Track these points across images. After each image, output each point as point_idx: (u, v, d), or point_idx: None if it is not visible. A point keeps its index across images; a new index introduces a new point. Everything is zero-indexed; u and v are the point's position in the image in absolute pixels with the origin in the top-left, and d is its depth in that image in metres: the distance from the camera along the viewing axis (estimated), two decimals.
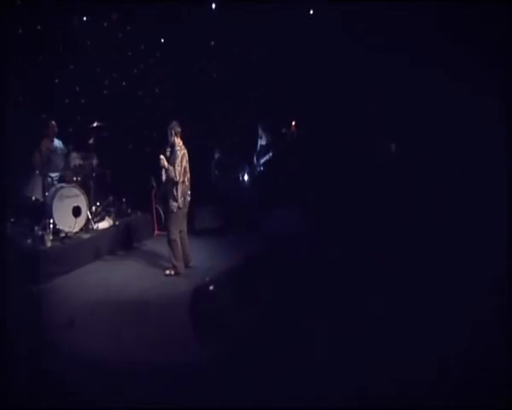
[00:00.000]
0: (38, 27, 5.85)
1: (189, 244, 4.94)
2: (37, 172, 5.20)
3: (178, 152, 4.61)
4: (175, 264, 4.72)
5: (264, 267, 4.18)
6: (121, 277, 4.74)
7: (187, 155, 4.73)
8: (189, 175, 4.75)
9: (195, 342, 3.13)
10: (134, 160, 6.74)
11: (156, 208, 6.37)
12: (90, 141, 5.60)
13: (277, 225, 6.36)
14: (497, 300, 3.10)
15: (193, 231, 6.16)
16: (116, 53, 7.12)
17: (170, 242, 4.70)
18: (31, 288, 3.77)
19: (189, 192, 4.78)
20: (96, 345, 3.21)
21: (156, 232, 6.35)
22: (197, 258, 5.10)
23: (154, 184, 6.21)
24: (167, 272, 4.76)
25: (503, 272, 3.28)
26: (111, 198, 6.14)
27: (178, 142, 4.70)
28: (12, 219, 5.14)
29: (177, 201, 4.61)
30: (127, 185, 6.47)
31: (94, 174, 5.71)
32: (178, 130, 4.67)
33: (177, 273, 4.70)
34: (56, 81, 6.10)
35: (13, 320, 3.19)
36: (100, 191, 5.95)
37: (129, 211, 6.22)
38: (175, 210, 4.62)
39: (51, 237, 4.97)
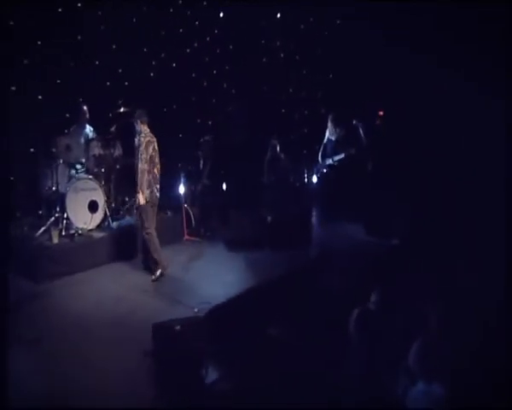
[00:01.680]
0: (78, 4, 6.08)
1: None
2: (61, 161, 5.36)
3: (143, 139, 4.69)
4: (156, 259, 4.75)
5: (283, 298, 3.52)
6: (120, 289, 4.59)
7: (155, 144, 4.77)
8: (159, 166, 4.77)
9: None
10: (167, 151, 6.63)
11: (186, 209, 6.13)
12: (112, 128, 5.60)
13: (340, 245, 5.66)
14: None
15: (225, 239, 5.81)
16: (155, 33, 7.07)
17: (144, 238, 4.80)
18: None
19: (158, 186, 4.80)
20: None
21: (186, 237, 6.13)
22: (216, 272, 4.87)
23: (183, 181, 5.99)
24: (153, 277, 4.74)
25: None
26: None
27: (145, 129, 4.77)
28: (40, 212, 5.39)
29: (142, 193, 4.59)
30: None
31: (118, 166, 5.71)
32: (145, 119, 4.79)
33: (163, 269, 4.76)
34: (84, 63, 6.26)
35: None
36: (126, 185, 5.96)
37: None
38: (141, 202, 4.62)
39: (63, 233, 5.09)
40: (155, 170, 4.74)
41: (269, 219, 6.04)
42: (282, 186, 6.84)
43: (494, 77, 5.50)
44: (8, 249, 4.97)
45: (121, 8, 6.43)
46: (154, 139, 4.76)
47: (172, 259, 5.45)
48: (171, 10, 7.33)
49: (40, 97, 5.89)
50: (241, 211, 6.19)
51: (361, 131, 6.71)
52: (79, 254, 4.98)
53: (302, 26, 8.58)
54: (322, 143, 7.09)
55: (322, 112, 8.77)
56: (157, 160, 4.76)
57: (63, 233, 5.11)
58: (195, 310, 3.28)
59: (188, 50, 7.82)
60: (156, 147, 4.76)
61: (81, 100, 6.08)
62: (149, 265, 4.95)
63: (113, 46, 6.67)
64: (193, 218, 6.17)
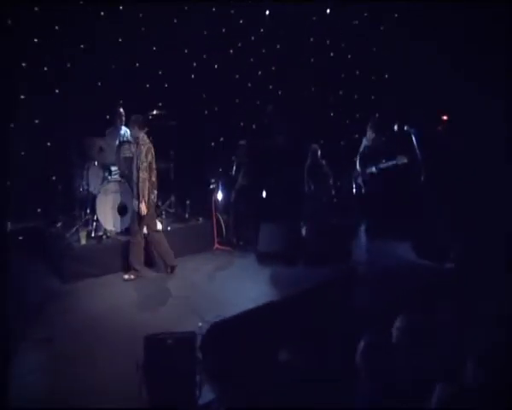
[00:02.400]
0: (120, 7, 6.48)
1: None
2: (95, 162, 5.72)
3: (142, 147, 4.95)
4: (133, 266, 5.05)
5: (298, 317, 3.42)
6: (140, 295, 4.75)
7: (152, 150, 5.01)
8: (155, 172, 5.06)
9: None
10: (203, 155, 6.77)
11: (217, 217, 6.20)
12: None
13: (383, 264, 5.39)
14: None
15: (257, 250, 5.79)
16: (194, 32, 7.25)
17: (130, 242, 5.10)
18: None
19: (156, 192, 5.12)
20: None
21: (216, 246, 6.19)
22: (240, 285, 4.87)
23: (215, 186, 6.05)
24: (126, 276, 5.07)
25: None
26: (173, 199, 6.32)
27: (142, 136, 5.03)
28: (74, 212, 5.80)
29: (145, 202, 4.90)
30: (192, 185, 6.55)
31: None
32: (142, 124, 5.04)
33: (138, 276, 5.06)
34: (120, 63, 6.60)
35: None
36: (159, 189, 6.16)
37: (186, 216, 6.24)
38: (144, 212, 4.91)
39: (93, 235, 5.41)
40: (153, 177, 5.03)
41: (303, 231, 5.87)
42: (322, 196, 6.66)
43: None
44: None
45: (162, 9, 6.73)
46: (151, 145, 5.06)
47: (199, 268, 5.56)
48: (214, 9, 7.53)
49: (82, 99, 6.37)
50: (277, 221, 6.09)
51: (413, 139, 6.29)
52: (105, 256, 5.27)
53: (356, 22, 8.34)
54: (358, 151, 6.83)
55: (376, 115, 8.46)
56: (154, 166, 5.06)
57: (92, 235, 5.44)
58: (199, 324, 3.28)
59: (231, 51, 7.98)
60: (153, 153, 5.04)
61: (121, 102, 6.47)
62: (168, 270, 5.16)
63: (154, 48, 7.01)
64: (223, 226, 6.22)
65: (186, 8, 7.20)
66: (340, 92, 8.68)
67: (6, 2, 5.45)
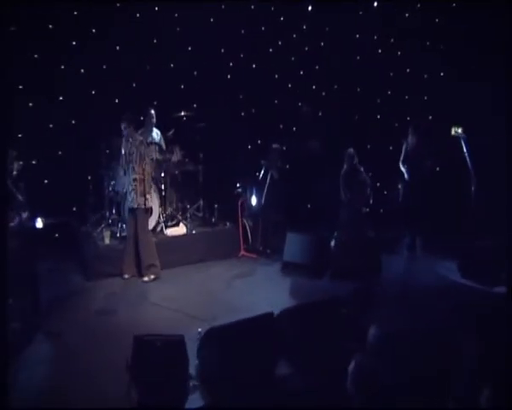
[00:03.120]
0: (156, 8, 6.87)
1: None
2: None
3: (137, 144, 5.42)
4: (153, 263, 5.39)
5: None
6: (154, 297, 5.01)
7: None
8: None
9: None
10: (234, 158, 6.93)
11: (243, 222, 6.32)
12: (169, 133, 6.12)
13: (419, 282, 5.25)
14: None
15: (283, 260, 5.84)
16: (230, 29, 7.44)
17: (144, 241, 5.42)
18: None
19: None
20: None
21: (242, 253, 6.32)
22: (258, 295, 4.92)
23: (241, 191, 6.18)
24: (146, 278, 5.36)
25: None
26: (201, 202, 6.56)
27: (133, 134, 5.44)
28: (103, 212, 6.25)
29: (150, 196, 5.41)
30: (221, 189, 6.73)
31: (176, 171, 6.22)
32: (133, 122, 5.45)
33: (157, 277, 5.40)
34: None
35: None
36: (183, 191, 6.45)
37: (213, 220, 6.43)
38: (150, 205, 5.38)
39: (118, 235, 5.79)
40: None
41: (332, 243, 5.81)
42: (359, 205, 6.53)
43: None
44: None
45: (198, 8, 7.03)
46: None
47: (221, 274, 5.72)
48: (253, 7, 7.71)
49: (117, 100, 6.84)
50: (306, 230, 6.08)
51: (464, 145, 5.97)
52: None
53: (406, 15, 8.09)
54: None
55: (429, 119, 8.14)
56: None
57: (117, 235, 5.82)
58: (199, 330, 3.40)
59: (270, 50, 8.10)
60: None
61: (155, 103, 6.85)
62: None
63: (189, 48, 7.33)
64: (249, 233, 6.33)
65: (223, 6, 7.46)
66: (389, 92, 8.45)
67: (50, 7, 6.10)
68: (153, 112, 6.43)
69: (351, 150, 6.58)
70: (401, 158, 6.68)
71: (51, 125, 6.49)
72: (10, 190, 3.85)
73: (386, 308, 4.45)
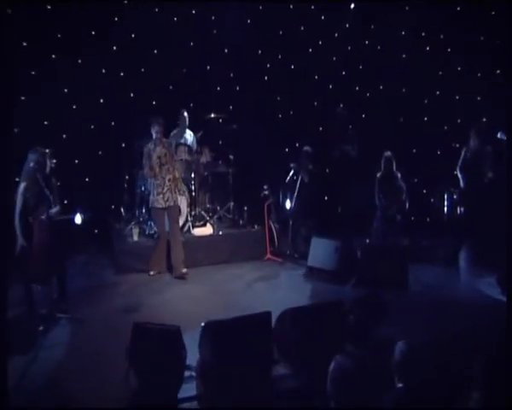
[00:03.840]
0: (193, 11, 7.38)
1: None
2: None
3: (168, 147, 5.94)
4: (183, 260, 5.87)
5: None
6: (174, 294, 5.43)
7: None
8: None
9: None
10: (266, 161, 7.22)
11: (269, 225, 6.60)
12: (198, 134, 6.54)
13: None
14: None
15: (305, 265, 6.04)
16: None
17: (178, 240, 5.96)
18: None
19: None
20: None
21: (267, 256, 6.60)
22: (275, 300, 5.06)
23: (268, 194, 6.46)
24: (184, 270, 5.85)
25: None
26: (231, 204, 6.94)
27: (162, 137, 5.90)
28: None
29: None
30: (251, 191, 7.05)
31: (205, 173, 6.64)
32: (163, 123, 5.87)
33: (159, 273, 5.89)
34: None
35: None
36: (212, 192, 6.86)
37: (241, 222, 6.78)
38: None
39: (146, 232, 6.33)
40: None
41: (358, 253, 5.90)
42: (394, 212, 6.55)
43: None
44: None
45: (234, 10, 7.42)
46: None
47: (243, 276, 6.05)
48: (291, 6, 7.98)
49: (154, 102, 7.44)
50: (333, 235, 6.22)
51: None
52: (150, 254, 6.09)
53: (458, 8, 7.92)
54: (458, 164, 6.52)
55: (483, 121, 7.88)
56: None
57: (146, 232, 6.36)
58: (202, 324, 3.72)
59: (310, 50, 8.32)
60: None
61: (191, 105, 7.35)
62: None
63: (226, 50, 7.76)
64: (275, 236, 6.59)
65: (260, 7, 7.81)
66: (437, 93, 8.30)
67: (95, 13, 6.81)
68: (186, 114, 6.91)
69: (388, 154, 6.62)
70: (459, 164, 6.59)
71: (92, 127, 7.21)
72: (41, 185, 4.45)
73: (400, 319, 4.54)
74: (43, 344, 4.15)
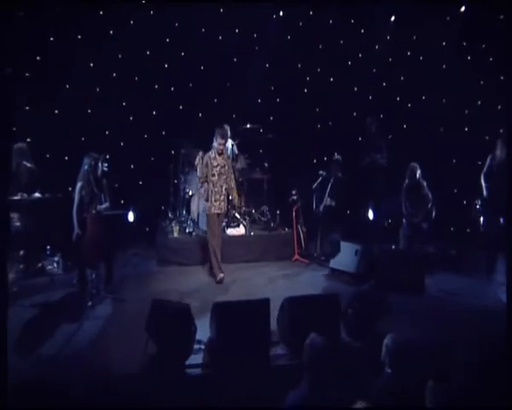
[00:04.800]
0: (236, 30, 8.22)
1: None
2: (197, 169, 7.54)
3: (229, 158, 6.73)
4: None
5: None
6: (202, 284, 6.19)
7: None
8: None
9: None
10: (300, 168, 7.83)
11: (297, 229, 7.19)
12: (235, 143, 7.32)
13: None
14: None
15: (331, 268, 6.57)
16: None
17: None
18: None
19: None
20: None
21: (295, 257, 7.22)
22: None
23: (296, 198, 7.08)
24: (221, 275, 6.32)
25: None
26: (265, 208, 7.66)
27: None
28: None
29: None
30: (284, 197, 7.69)
31: (240, 179, 7.39)
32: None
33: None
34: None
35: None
36: (253, 198, 7.61)
37: (272, 224, 7.45)
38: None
39: (187, 230, 7.21)
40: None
41: (377, 253, 6.32)
42: (419, 220, 6.86)
43: None
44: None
45: (276, 26, 8.15)
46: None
47: (268, 273, 6.73)
48: (331, 21, 8.53)
49: (200, 115, 8.38)
50: (358, 240, 6.66)
51: None
52: (190, 249, 6.99)
53: (501, 17, 7.99)
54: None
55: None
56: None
57: (186, 230, 7.24)
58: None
59: (349, 63, 8.81)
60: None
61: (234, 116, 8.16)
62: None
63: (267, 65, 8.50)
64: (303, 238, 7.18)
65: (301, 23, 8.47)
66: (479, 102, 8.40)
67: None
68: (226, 126, 7.73)
69: (413, 164, 6.96)
70: (484, 170, 6.78)
71: (146, 136, 8.29)
72: (92, 185, 5.45)
73: (402, 318, 4.95)
74: (89, 316, 5.12)
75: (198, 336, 4.36)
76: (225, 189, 6.48)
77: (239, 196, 7.52)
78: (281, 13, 8.34)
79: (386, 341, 3.49)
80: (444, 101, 8.63)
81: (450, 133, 8.60)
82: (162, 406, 3.60)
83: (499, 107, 8.26)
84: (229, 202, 6.65)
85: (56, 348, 4.46)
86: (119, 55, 7.95)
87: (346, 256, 6.49)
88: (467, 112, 8.54)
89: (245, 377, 3.95)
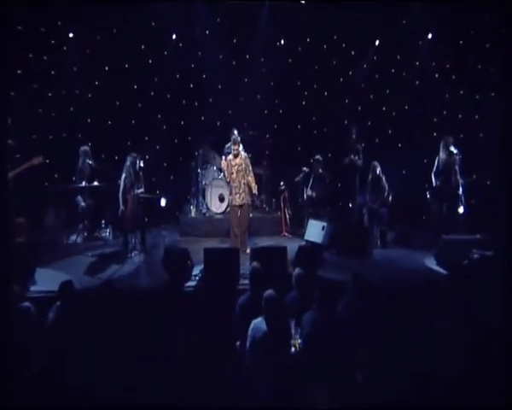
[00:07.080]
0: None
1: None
2: (214, 167, 10.44)
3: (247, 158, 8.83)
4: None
5: None
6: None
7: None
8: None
9: None
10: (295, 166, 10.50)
11: (284, 211, 9.90)
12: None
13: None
14: None
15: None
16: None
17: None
18: None
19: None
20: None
21: (283, 233, 9.95)
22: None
23: (283, 188, 9.80)
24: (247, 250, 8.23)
25: None
26: (263, 197, 10.44)
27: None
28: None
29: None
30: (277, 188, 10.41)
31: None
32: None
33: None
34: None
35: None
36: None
37: (267, 209, 10.23)
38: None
39: (204, 211, 10.16)
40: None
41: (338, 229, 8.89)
42: (375, 204, 9.31)
43: None
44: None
45: (279, 51, 10.92)
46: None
47: (264, 241, 9.42)
48: (325, 46, 11.15)
49: (218, 123, 11.26)
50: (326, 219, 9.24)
51: None
52: (204, 225, 9.91)
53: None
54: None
55: None
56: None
57: (201, 211, 10.15)
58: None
59: (341, 79, 11.35)
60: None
61: (245, 125, 10.99)
62: None
63: (271, 83, 11.23)
64: (288, 219, 9.88)
65: (299, 48, 11.12)
66: (444, 112, 10.65)
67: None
68: (236, 131, 10.53)
69: (374, 163, 9.45)
70: (434, 170, 9.12)
71: (176, 141, 11.30)
72: (132, 176, 8.41)
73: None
74: (129, 262, 8.12)
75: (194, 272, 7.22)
76: (244, 183, 8.58)
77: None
78: (282, 41, 11.08)
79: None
80: (418, 111, 10.94)
81: (423, 138, 10.87)
82: (172, 305, 6.32)
83: (460, 116, 10.48)
84: (251, 194, 9.00)
85: (107, 277, 7.45)
86: (155, 79, 11.01)
87: (315, 230, 9.08)
88: (435, 120, 10.80)
89: (220, 294, 6.68)
